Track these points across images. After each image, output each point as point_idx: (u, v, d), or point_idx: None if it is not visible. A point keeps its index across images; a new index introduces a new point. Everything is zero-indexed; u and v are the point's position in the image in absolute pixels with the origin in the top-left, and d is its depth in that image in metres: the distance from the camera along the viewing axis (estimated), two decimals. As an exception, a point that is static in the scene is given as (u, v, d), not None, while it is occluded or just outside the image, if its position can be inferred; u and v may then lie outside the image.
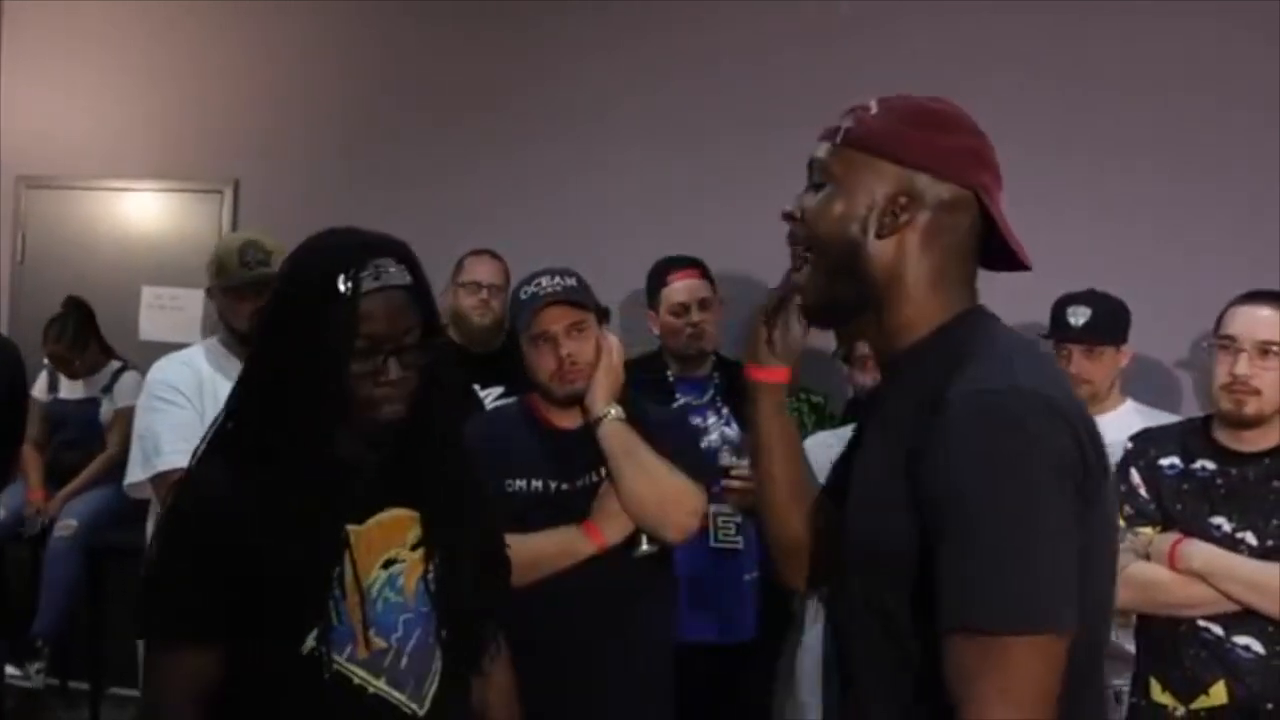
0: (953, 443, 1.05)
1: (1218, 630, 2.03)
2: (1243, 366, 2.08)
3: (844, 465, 1.34)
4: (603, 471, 2.12)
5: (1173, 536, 2.08)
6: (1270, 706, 1.98)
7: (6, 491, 3.78)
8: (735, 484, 2.67)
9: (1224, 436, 2.14)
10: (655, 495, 2.10)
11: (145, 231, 4.51)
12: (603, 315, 2.25)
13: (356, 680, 1.38)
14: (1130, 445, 2.21)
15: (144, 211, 4.54)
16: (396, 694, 1.40)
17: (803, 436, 2.57)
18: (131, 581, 1.51)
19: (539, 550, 2.06)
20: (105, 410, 4.21)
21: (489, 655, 1.54)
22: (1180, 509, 2.11)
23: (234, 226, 4.25)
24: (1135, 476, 2.16)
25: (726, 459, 2.70)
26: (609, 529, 2.09)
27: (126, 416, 3.55)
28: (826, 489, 1.39)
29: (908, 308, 1.20)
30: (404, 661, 1.41)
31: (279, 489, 1.35)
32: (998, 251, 1.23)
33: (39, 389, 4.27)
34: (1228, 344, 2.13)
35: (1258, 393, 2.07)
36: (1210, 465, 2.12)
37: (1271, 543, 2.03)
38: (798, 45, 3.93)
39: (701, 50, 4.00)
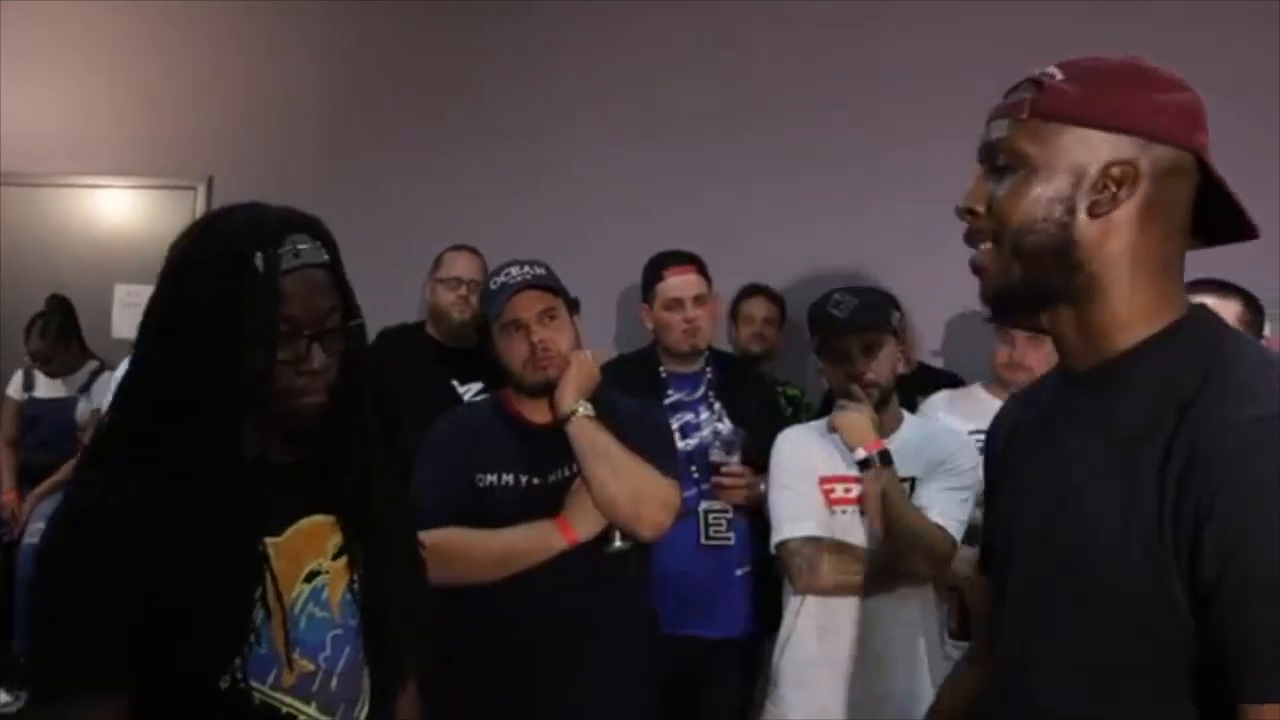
0: (1261, 476, 0.90)
1: None
2: None
3: (1006, 463, 1.21)
4: (575, 466, 2.11)
5: None
6: None
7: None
8: (726, 481, 2.71)
9: None
10: (628, 492, 2.08)
11: (118, 229, 4.48)
12: (573, 305, 2.25)
13: (285, 709, 1.23)
14: None
15: (117, 209, 4.50)
16: None
17: (779, 428, 2.63)
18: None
19: (511, 546, 2.06)
20: (82, 410, 4.18)
21: (412, 666, 1.42)
22: None
23: (208, 223, 4.21)
24: None
25: (717, 455, 2.73)
26: (581, 525, 2.07)
27: (103, 417, 3.51)
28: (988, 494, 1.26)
29: (1125, 299, 1.04)
30: (334, 683, 1.28)
31: (184, 502, 1.18)
32: (1212, 222, 1.08)
33: (14, 388, 4.24)
34: None
35: None
36: None
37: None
38: (770, 40, 3.96)
39: (675, 46, 4.03)
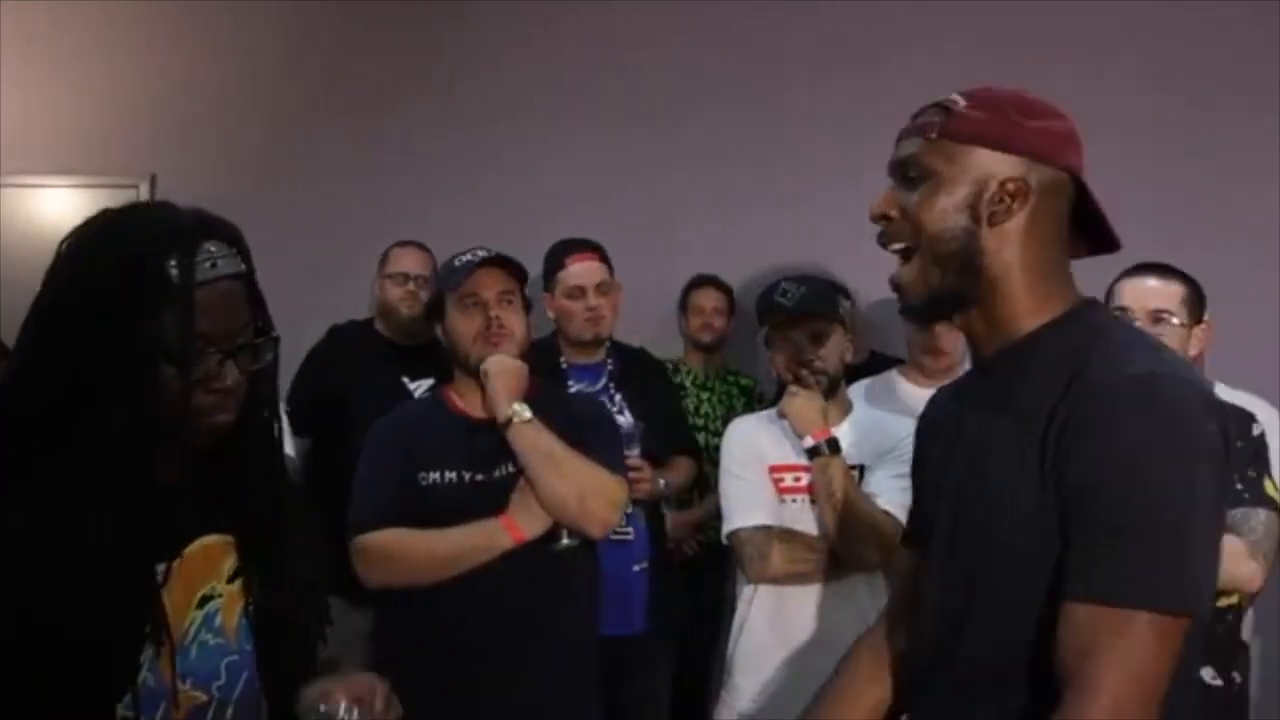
0: (1112, 426, 1.07)
1: None
2: None
3: (928, 455, 1.37)
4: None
5: None
6: (1210, 673, 2.07)
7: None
8: (629, 475, 2.67)
9: None
10: (575, 493, 2.07)
11: (58, 229, 4.34)
12: (528, 303, 2.24)
13: None
14: None
15: (55, 209, 4.41)
16: None
17: (732, 418, 2.63)
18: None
19: (456, 546, 2.04)
20: None
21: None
22: None
23: (151, 222, 4.15)
24: None
25: None
26: (527, 523, 2.06)
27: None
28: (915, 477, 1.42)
29: (1019, 296, 1.21)
30: (228, 713, 1.20)
31: (69, 529, 1.08)
32: (1082, 234, 1.26)
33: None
34: (1119, 316, 2.19)
35: None
36: None
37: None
38: (713, 29, 3.98)
39: (619, 39, 4.03)
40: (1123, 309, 2.20)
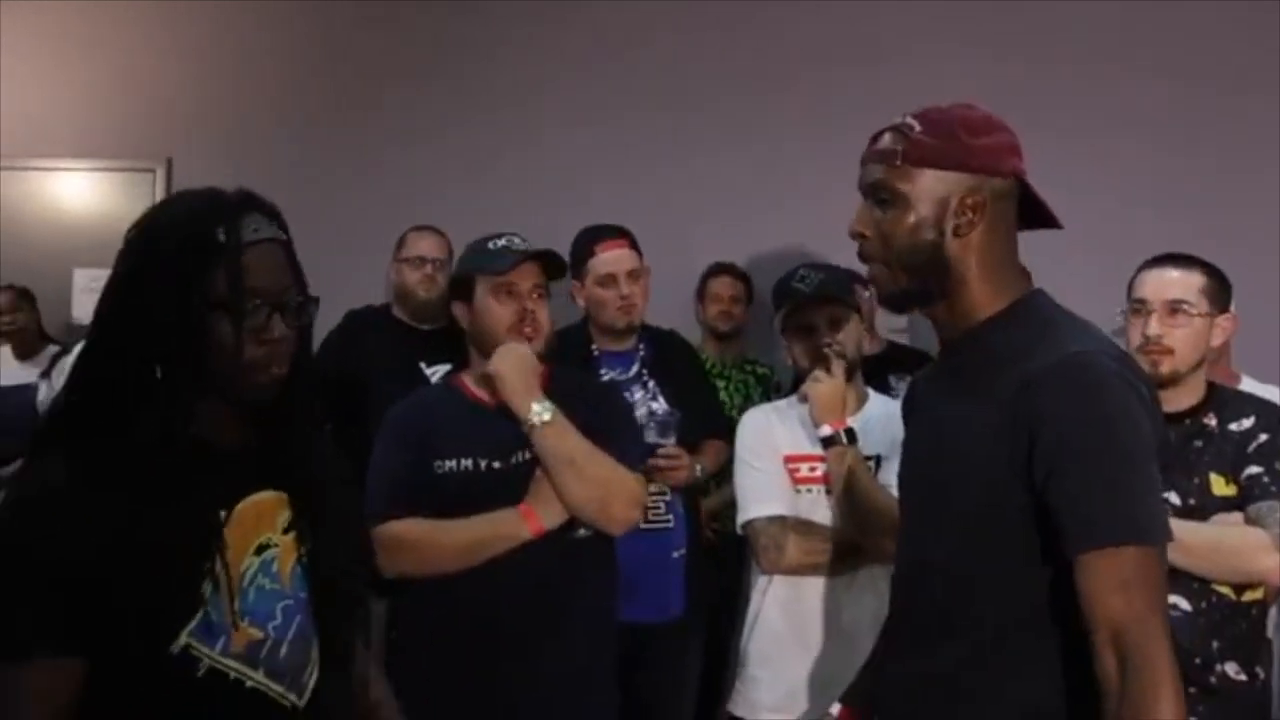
0: (1066, 397, 1.29)
1: None
2: (1154, 327, 2.11)
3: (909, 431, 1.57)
4: None
5: None
6: (1198, 661, 2.03)
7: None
8: (662, 462, 2.65)
9: None
10: (596, 495, 2.07)
11: (76, 212, 4.39)
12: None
13: (233, 675, 1.27)
14: None
15: (74, 192, 4.42)
16: (275, 686, 1.30)
17: (748, 406, 2.62)
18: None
19: (475, 537, 2.04)
20: (43, 395, 4.12)
21: (361, 642, 1.47)
22: None
23: (168, 205, 4.16)
24: None
25: (652, 437, 2.65)
26: (546, 514, 2.05)
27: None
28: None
29: (978, 291, 1.41)
30: (283, 651, 1.31)
31: (140, 474, 1.21)
32: (1027, 217, 1.46)
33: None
34: (1139, 308, 2.16)
35: (1170, 351, 2.10)
36: None
37: (1194, 501, 2.06)
38: (732, 15, 3.96)
39: (634, 25, 4.02)
40: (1141, 301, 2.17)
